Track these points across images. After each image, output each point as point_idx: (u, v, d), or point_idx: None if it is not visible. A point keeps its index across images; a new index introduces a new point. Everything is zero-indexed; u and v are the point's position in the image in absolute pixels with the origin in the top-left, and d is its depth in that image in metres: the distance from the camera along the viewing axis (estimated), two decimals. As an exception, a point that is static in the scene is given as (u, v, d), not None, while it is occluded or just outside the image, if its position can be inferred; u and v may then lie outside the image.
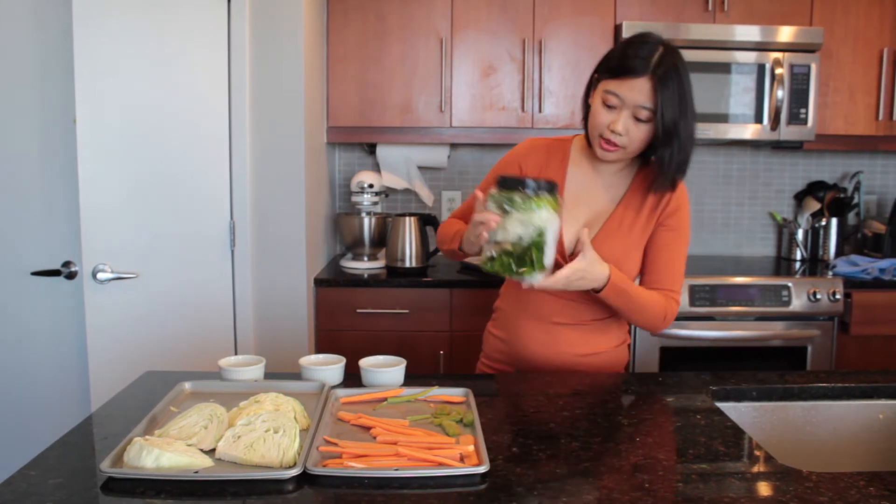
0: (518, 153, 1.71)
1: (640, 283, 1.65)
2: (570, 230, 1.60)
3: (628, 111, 1.48)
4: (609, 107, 1.50)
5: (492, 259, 1.38)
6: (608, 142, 1.52)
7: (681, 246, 1.65)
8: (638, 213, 1.62)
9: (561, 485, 1.06)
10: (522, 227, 1.35)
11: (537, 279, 1.39)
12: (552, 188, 1.37)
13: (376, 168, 3.28)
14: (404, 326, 2.75)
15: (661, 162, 1.54)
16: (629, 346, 1.79)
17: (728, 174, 3.43)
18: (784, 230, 3.36)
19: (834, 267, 2.96)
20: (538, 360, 1.67)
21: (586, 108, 1.60)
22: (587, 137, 1.60)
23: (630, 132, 1.50)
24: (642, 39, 1.50)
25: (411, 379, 1.49)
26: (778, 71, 2.86)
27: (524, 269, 1.36)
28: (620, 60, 1.48)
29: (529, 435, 1.25)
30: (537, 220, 1.34)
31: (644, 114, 1.47)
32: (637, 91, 1.46)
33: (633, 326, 2.30)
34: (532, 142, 1.72)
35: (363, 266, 2.95)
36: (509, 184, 1.37)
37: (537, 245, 1.35)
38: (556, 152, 1.68)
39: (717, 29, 2.86)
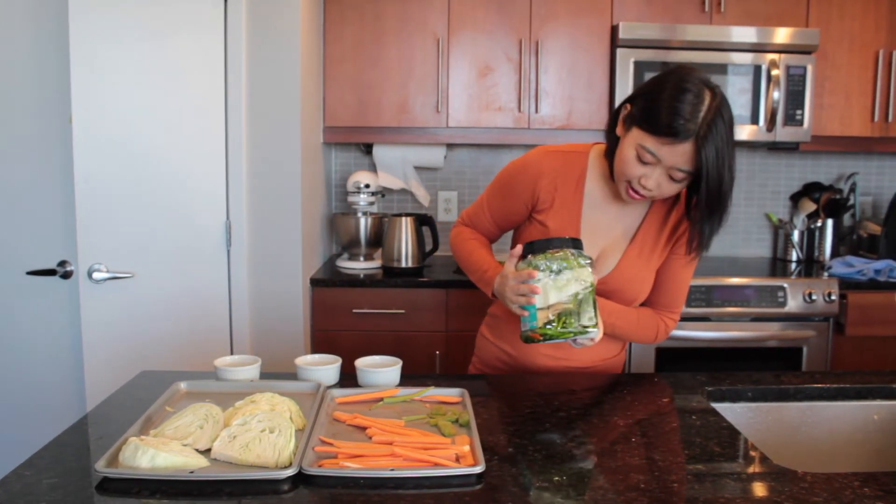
0: (531, 172, 1.57)
1: (644, 300, 1.64)
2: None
3: (663, 170, 1.39)
4: (643, 162, 1.40)
5: (551, 322, 1.35)
6: (636, 191, 1.44)
7: (689, 273, 1.63)
8: (656, 241, 1.58)
9: (557, 485, 1.06)
10: (577, 283, 1.34)
11: (597, 333, 1.38)
12: (580, 242, 1.39)
13: (373, 168, 3.28)
14: (400, 326, 2.75)
15: (700, 232, 1.46)
16: (625, 348, 1.79)
17: (724, 175, 3.43)
18: (780, 231, 3.37)
19: (829, 268, 2.97)
20: (544, 373, 1.65)
21: (612, 138, 1.49)
22: (610, 167, 1.51)
23: (661, 187, 1.42)
24: (686, 87, 1.35)
25: (407, 379, 1.49)
26: (774, 72, 2.86)
27: (589, 324, 1.35)
28: (662, 118, 1.34)
29: (525, 435, 1.25)
30: (586, 274, 1.35)
31: (679, 175, 1.39)
32: (678, 155, 1.36)
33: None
34: (545, 158, 1.58)
35: (359, 266, 2.94)
36: (541, 246, 1.38)
37: (593, 298, 1.36)
38: (572, 170, 1.57)
39: (713, 30, 2.86)
